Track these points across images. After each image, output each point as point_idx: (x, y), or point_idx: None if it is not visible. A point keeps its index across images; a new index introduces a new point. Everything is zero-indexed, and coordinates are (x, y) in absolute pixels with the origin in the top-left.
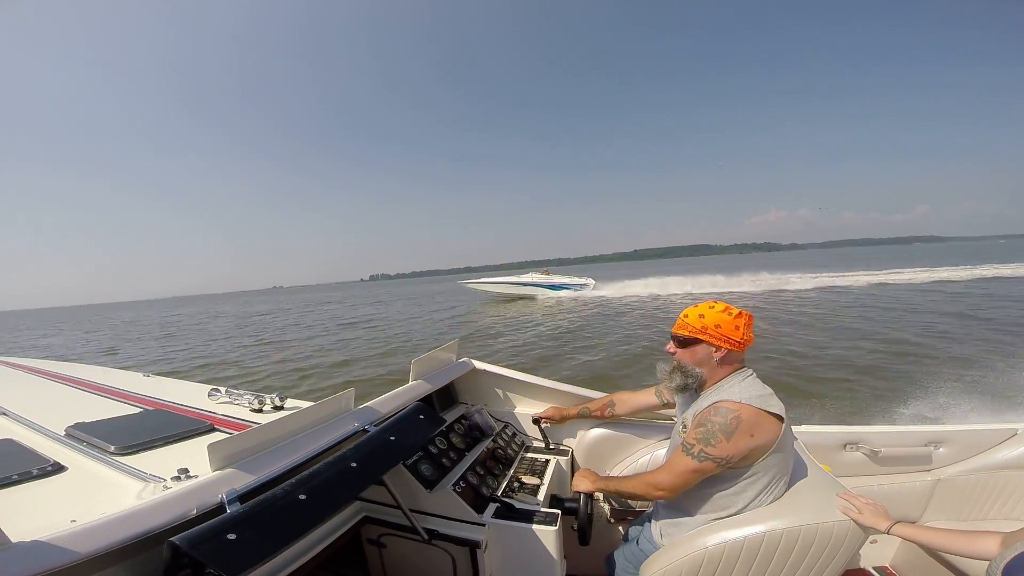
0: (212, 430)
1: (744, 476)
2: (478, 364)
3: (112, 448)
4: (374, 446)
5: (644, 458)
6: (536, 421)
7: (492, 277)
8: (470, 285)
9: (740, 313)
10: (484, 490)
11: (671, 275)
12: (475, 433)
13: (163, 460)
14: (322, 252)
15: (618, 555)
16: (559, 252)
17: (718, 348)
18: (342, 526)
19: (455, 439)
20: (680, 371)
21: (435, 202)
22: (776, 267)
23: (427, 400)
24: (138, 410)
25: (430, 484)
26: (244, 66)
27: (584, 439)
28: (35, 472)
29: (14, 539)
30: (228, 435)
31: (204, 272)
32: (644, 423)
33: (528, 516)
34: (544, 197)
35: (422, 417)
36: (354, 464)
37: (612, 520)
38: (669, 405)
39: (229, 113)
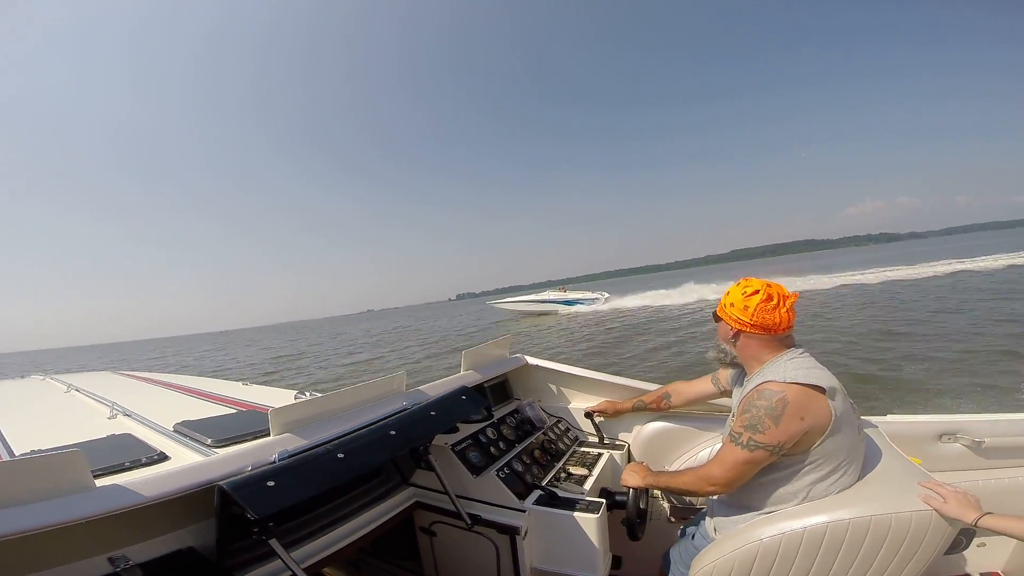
0: None
1: (802, 463)
2: (531, 360)
3: (209, 441)
4: (414, 419)
5: (704, 452)
6: (588, 415)
7: (520, 296)
8: (497, 305)
9: (758, 292)
10: (528, 478)
11: (712, 282)
12: (526, 426)
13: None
14: (410, 273)
15: (673, 552)
16: (649, 258)
17: (730, 327)
18: (395, 508)
19: (506, 431)
20: (716, 344)
21: (522, 210)
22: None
23: (481, 393)
24: (234, 411)
25: (476, 470)
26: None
27: (641, 433)
28: (144, 460)
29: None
30: None
31: (298, 299)
32: (704, 415)
33: (570, 504)
34: (632, 200)
35: (464, 397)
36: (393, 432)
37: (673, 519)
38: (726, 393)
39: (286, 132)
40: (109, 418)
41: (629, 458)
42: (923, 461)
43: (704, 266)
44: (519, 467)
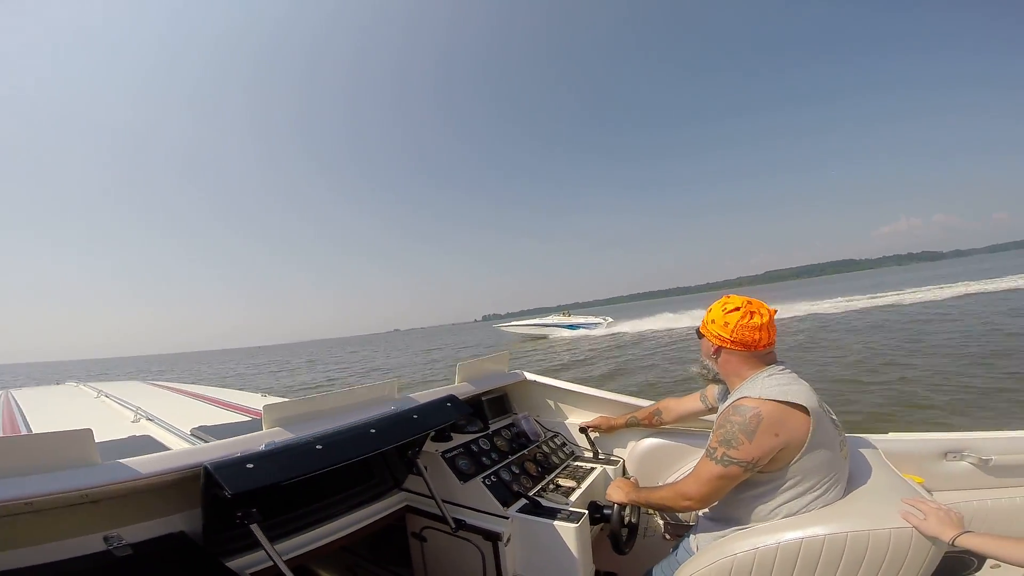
0: None
1: (780, 480)
2: (529, 375)
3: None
4: (395, 420)
5: None
6: (583, 430)
7: (524, 320)
8: (501, 328)
9: (738, 309)
10: (516, 487)
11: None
12: (521, 439)
13: None
14: (438, 294)
15: (656, 570)
16: (678, 280)
17: (712, 344)
18: (385, 510)
19: (499, 443)
20: (700, 361)
21: (553, 232)
22: None
23: (478, 407)
24: (248, 419)
25: (464, 477)
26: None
27: (635, 449)
28: None
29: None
30: None
31: (318, 318)
32: (698, 432)
33: (553, 513)
34: (663, 220)
35: (449, 405)
36: (373, 431)
37: (667, 536)
38: (714, 409)
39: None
40: (132, 422)
41: (623, 473)
42: (926, 480)
43: (736, 288)
44: (507, 476)
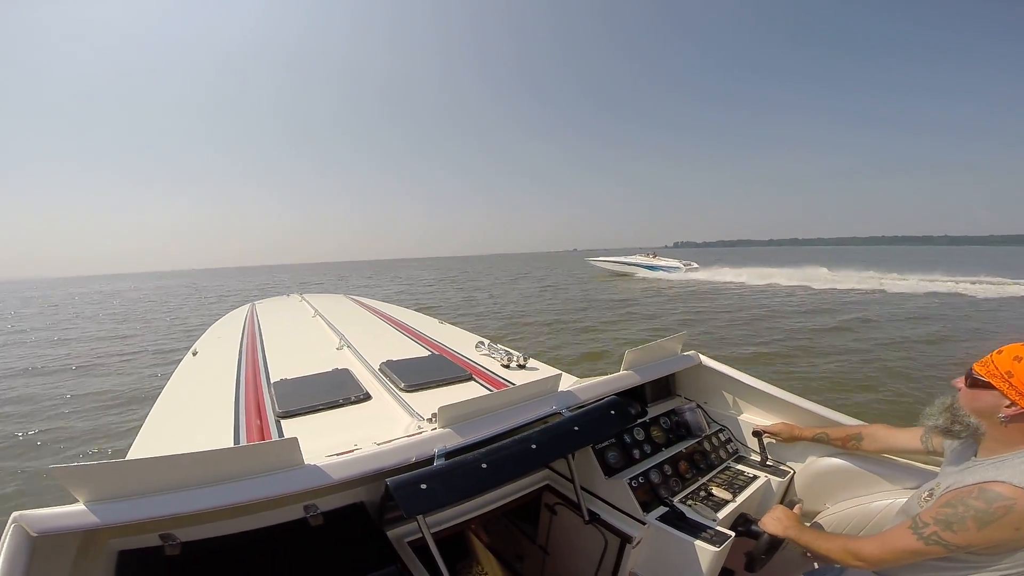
0: (470, 379)
1: (982, 563)
2: (705, 360)
3: (403, 385)
4: (556, 433)
5: (880, 503)
6: (757, 434)
7: (613, 257)
8: (592, 261)
9: None
10: (662, 491)
11: None
12: (681, 431)
13: (430, 400)
14: (645, 217)
15: None
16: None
17: (1011, 403)
18: (527, 488)
19: (655, 432)
20: (950, 412)
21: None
22: None
23: (639, 389)
24: (427, 353)
25: (611, 471)
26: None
27: (813, 465)
28: (352, 399)
29: (307, 460)
30: (480, 385)
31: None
32: (894, 462)
33: (695, 530)
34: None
35: (612, 412)
36: (534, 446)
37: (808, 554)
38: (935, 453)
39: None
40: (337, 349)
41: (788, 488)
42: None
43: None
44: (656, 478)
